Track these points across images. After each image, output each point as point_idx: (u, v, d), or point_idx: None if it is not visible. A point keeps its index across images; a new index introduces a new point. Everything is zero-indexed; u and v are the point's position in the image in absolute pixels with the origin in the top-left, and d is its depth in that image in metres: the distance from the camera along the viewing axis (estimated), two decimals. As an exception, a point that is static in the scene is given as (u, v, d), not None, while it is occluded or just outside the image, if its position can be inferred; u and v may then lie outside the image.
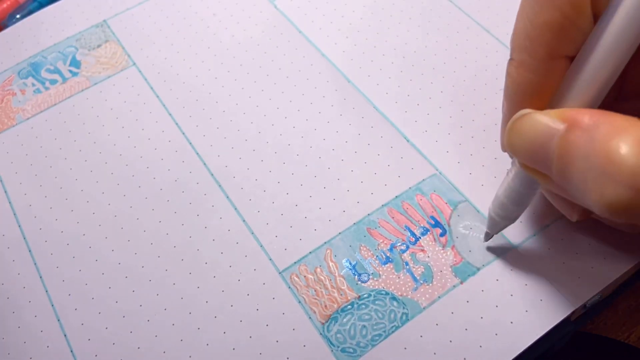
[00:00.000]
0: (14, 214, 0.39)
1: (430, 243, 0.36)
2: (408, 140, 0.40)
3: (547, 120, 0.25)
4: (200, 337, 0.34)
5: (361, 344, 0.33)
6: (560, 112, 0.25)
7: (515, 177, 0.31)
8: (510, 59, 0.29)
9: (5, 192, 0.40)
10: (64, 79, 0.45)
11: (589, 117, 0.23)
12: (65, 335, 0.35)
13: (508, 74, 0.29)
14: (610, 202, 0.22)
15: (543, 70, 0.27)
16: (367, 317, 0.34)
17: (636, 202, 0.22)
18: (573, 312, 0.33)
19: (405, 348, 0.33)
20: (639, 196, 0.21)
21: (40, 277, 0.37)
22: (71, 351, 0.34)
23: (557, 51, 0.26)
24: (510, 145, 0.27)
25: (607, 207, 0.22)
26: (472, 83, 0.42)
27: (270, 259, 0.36)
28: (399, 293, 0.34)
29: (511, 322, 0.33)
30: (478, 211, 0.37)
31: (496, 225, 0.34)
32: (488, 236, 0.35)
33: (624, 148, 0.21)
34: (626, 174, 0.21)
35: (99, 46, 0.47)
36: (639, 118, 0.23)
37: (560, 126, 0.24)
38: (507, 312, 0.33)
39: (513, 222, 0.34)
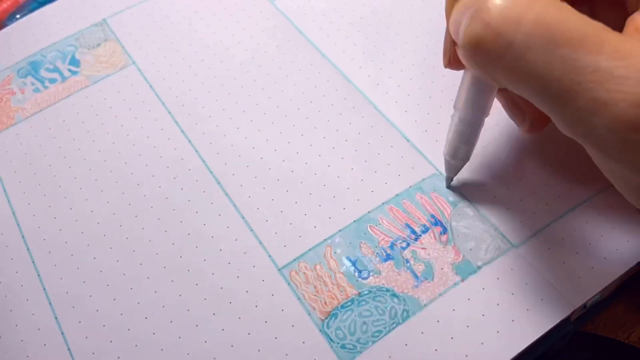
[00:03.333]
0: (13, 213, 0.39)
1: (430, 241, 0.36)
2: (408, 140, 0.40)
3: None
4: (198, 335, 0.34)
5: (361, 341, 0.33)
6: None
7: (459, 121, 0.34)
8: None
9: (4, 190, 0.40)
10: (64, 78, 0.45)
11: None
12: (62, 334, 0.35)
13: None
14: (465, 43, 0.25)
15: None
16: (367, 313, 0.33)
17: (479, 46, 0.25)
18: (573, 312, 0.33)
19: (406, 344, 0.32)
20: (482, 45, 0.25)
21: (39, 276, 0.37)
22: (68, 349, 0.34)
23: None
24: (446, 15, 0.29)
25: (462, 46, 0.26)
26: (473, 81, 0.42)
27: (270, 256, 0.36)
28: (400, 290, 0.34)
29: (512, 320, 0.33)
30: (478, 211, 0.36)
31: (452, 167, 0.36)
32: (449, 180, 0.37)
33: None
34: (488, 13, 0.24)
35: (98, 45, 0.47)
36: None
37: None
38: (509, 311, 0.33)
39: (467, 161, 0.36)
